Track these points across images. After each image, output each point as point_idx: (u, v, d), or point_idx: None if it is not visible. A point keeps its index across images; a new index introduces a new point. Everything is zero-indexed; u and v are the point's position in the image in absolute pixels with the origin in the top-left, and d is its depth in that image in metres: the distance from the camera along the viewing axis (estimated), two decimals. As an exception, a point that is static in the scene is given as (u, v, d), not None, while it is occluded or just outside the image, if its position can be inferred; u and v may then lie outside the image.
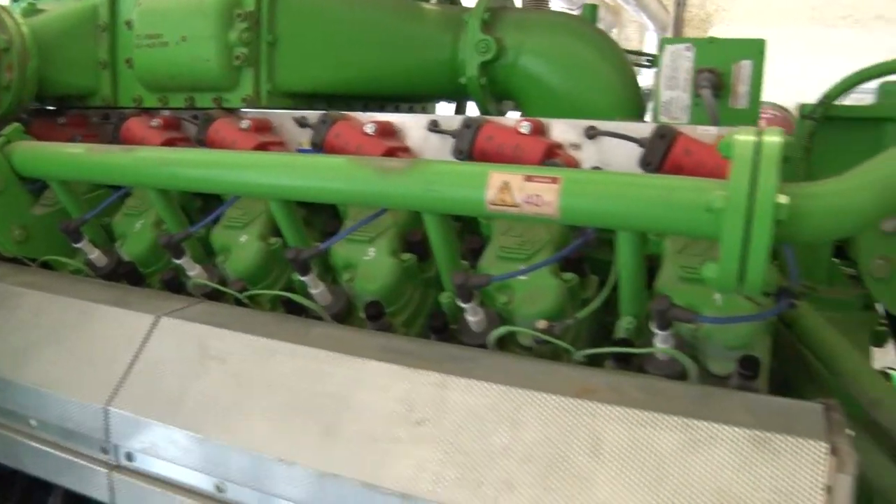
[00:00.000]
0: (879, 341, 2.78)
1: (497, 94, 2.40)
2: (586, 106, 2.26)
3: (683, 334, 1.55)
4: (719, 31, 9.28)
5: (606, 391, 1.34)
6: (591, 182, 1.43)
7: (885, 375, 2.18)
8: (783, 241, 1.30)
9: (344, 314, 1.89)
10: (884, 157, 1.39)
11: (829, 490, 1.16)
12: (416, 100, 2.72)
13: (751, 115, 2.09)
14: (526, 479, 1.26)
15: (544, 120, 1.84)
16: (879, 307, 2.61)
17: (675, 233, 1.49)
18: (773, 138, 1.28)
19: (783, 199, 1.24)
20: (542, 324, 1.60)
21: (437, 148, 1.94)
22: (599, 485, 1.22)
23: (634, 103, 2.28)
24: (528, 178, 1.46)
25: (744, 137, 1.29)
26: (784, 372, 1.87)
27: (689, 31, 9.26)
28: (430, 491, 1.30)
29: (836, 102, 2.11)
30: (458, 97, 2.63)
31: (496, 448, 1.30)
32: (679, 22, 7.06)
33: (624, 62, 2.33)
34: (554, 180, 1.43)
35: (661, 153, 1.65)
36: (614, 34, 9.38)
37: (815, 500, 1.14)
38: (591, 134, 1.80)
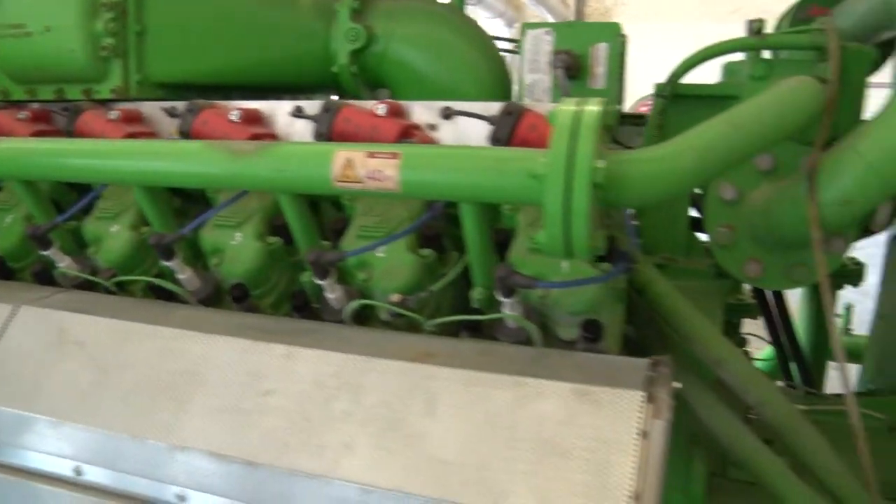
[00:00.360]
0: (751, 313, 2.92)
1: (369, 83, 2.44)
2: (455, 91, 2.32)
3: (532, 302, 1.62)
4: (618, 25, 9.56)
5: (446, 356, 1.40)
6: (428, 156, 1.49)
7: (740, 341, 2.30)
8: (605, 205, 1.37)
9: (213, 299, 1.91)
10: (703, 126, 1.48)
11: (644, 435, 1.23)
12: (297, 91, 2.74)
13: (608, 95, 2.17)
14: (365, 441, 1.30)
15: (403, 102, 1.89)
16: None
17: (507, 201, 1.54)
18: (592, 108, 1.35)
19: (601, 163, 1.31)
20: (395, 297, 1.65)
21: (302, 133, 1.97)
22: (433, 442, 1.28)
23: (501, 86, 2.36)
24: (371, 155, 1.50)
25: (565, 108, 1.36)
26: (641, 338, 1.95)
27: (589, 27, 9.50)
28: (275, 458, 1.34)
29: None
30: (336, 87, 2.66)
31: (338, 413, 1.35)
32: (579, 16, 7.22)
33: (491, 47, 2.40)
34: (394, 156, 1.48)
35: (508, 129, 1.71)
36: (516, 29, 9.53)
37: (632, 444, 1.22)
38: (447, 114, 1.85)
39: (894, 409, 2.16)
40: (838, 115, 1.81)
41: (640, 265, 1.84)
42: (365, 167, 1.50)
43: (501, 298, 1.55)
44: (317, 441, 1.33)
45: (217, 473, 1.37)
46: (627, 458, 1.20)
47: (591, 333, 1.55)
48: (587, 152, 1.30)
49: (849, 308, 4.18)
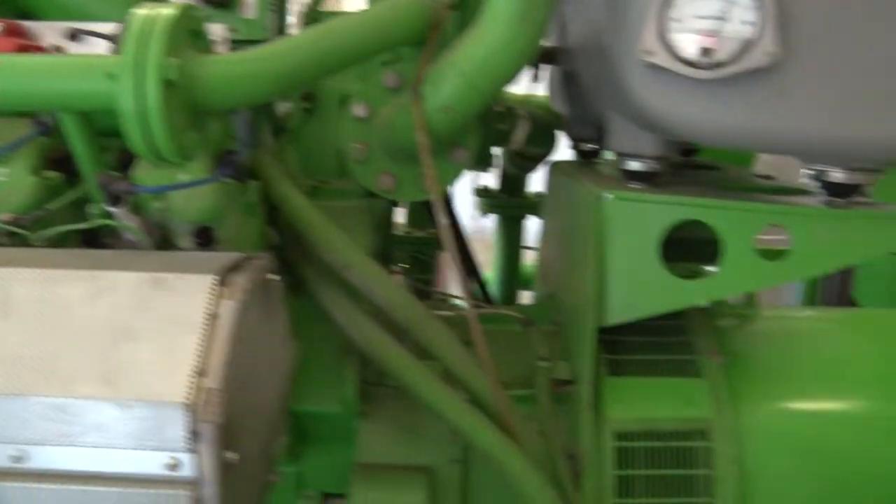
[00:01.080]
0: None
1: (14, 12, 2.33)
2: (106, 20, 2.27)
3: (151, 214, 1.65)
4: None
5: (29, 260, 1.40)
6: (17, 65, 1.47)
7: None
8: (189, 107, 1.43)
9: None
10: (298, 34, 1.57)
11: (214, 316, 1.30)
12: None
13: (259, 24, 2.22)
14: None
15: (25, 22, 1.84)
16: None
17: (94, 107, 1.54)
18: (167, 11, 1.40)
19: (173, 62, 1.36)
20: (5, 216, 1.63)
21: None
22: (7, 341, 1.28)
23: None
24: (-43, 68, 1.46)
25: (139, 11, 1.40)
26: (290, 256, 2.03)
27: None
28: None
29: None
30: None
31: None
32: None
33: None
34: (-19, 66, 1.46)
35: (124, 46, 1.72)
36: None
37: (200, 325, 1.28)
38: (73, 34, 1.83)
39: (542, 313, 2.37)
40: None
41: (275, 182, 1.92)
42: (-47, 80, 1.46)
43: (108, 208, 1.57)
44: None
45: None
46: (194, 337, 1.27)
47: (201, 239, 1.61)
48: (157, 50, 1.35)
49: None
